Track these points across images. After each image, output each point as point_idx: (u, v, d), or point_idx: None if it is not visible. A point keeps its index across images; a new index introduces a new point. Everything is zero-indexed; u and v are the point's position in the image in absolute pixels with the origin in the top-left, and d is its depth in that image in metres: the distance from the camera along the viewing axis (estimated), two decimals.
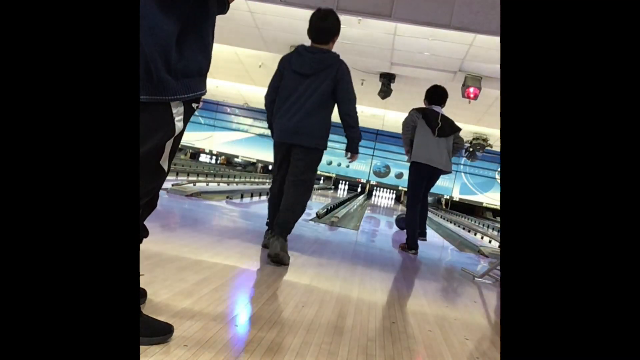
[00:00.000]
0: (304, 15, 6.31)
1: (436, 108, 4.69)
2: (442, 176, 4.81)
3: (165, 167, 1.40)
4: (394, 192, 17.80)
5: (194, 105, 1.40)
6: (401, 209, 12.82)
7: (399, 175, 17.37)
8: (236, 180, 10.90)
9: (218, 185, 8.45)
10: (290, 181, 3.07)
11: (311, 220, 5.96)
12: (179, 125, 1.37)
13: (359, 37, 6.56)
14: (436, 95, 4.75)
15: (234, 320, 1.79)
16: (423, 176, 4.60)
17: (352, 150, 3.21)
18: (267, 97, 3.24)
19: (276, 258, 2.85)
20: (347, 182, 17.87)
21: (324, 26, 3.09)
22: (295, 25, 6.69)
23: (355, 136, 3.18)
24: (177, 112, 1.35)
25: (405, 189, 5.46)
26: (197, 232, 3.72)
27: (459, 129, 4.77)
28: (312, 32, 3.12)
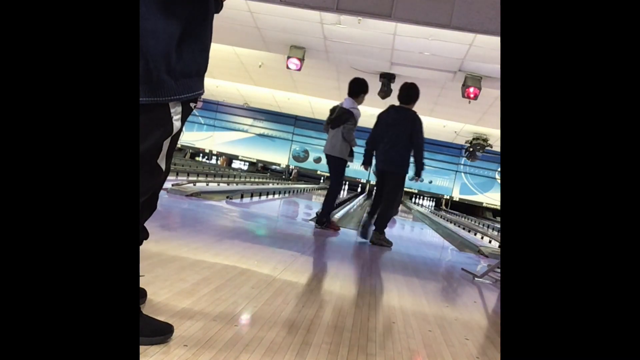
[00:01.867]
0: (304, 15, 6.34)
1: (345, 101, 5.16)
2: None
3: (163, 166, 1.41)
4: None
5: (192, 104, 1.41)
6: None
7: None
8: (236, 180, 10.90)
9: (218, 185, 8.45)
10: (383, 200, 4.92)
11: (311, 220, 5.96)
12: (176, 124, 1.38)
13: (359, 37, 6.55)
14: (351, 86, 5.27)
15: (234, 320, 1.79)
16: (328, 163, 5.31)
17: (418, 174, 4.94)
18: (370, 138, 4.99)
19: (375, 243, 4.75)
20: (347, 182, 17.85)
21: (408, 94, 4.89)
22: (295, 25, 6.69)
23: (420, 165, 4.84)
24: (175, 111, 1.36)
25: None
26: (197, 232, 3.72)
27: (346, 120, 5.06)
28: (401, 98, 4.92)
